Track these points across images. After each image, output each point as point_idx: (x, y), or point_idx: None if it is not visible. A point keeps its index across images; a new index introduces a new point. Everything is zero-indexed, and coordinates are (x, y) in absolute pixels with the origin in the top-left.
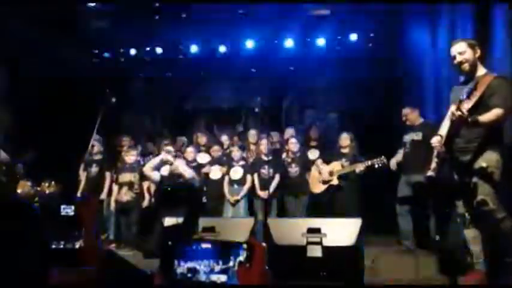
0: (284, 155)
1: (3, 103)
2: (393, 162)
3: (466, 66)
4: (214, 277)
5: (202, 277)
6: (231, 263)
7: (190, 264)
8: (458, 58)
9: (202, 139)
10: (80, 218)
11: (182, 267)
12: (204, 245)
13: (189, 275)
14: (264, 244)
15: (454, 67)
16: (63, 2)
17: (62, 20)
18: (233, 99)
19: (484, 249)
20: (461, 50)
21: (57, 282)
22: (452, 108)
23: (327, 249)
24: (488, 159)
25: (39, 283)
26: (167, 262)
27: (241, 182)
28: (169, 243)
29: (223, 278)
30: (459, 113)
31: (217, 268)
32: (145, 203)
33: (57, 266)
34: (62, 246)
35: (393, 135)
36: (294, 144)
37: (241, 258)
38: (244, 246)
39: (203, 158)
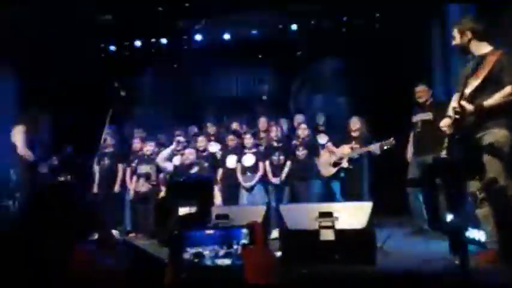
0: (294, 141)
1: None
2: (409, 155)
3: (460, 50)
4: (219, 261)
5: (208, 262)
6: (234, 247)
7: (196, 250)
8: (454, 43)
9: (212, 128)
10: (90, 217)
11: (189, 253)
12: (208, 231)
13: (195, 260)
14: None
15: None
16: None
17: (65, 15)
18: (241, 87)
19: (496, 227)
20: (455, 35)
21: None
22: (453, 103)
23: (339, 233)
24: (497, 136)
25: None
26: (175, 250)
27: (253, 169)
28: (175, 232)
29: (227, 261)
30: (458, 109)
31: (221, 252)
32: (162, 194)
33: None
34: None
35: (403, 117)
36: (304, 130)
37: (244, 240)
38: (245, 229)
39: (214, 147)
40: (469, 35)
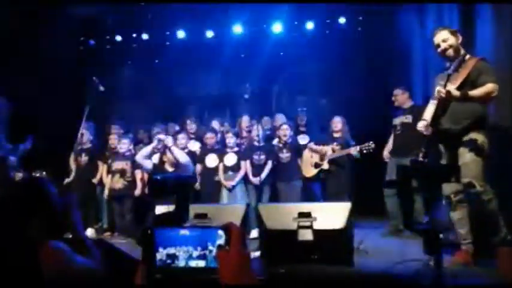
0: (275, 141)
1: None
2: (386, 153)
3: (450, 51)
4: (192, 263)
5: (181, 263)
6: (209, 248)
7: (169, 251)
8: (443, 46)
9: (191, 126)
10: (64, 216)
11: (161, 254)
12: (183, 231)
13: (168, 261)
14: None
15: (439, 54)
16: None
17: (46, 8)
18: (223, 85)
19: (471, 229)
20: (445, 37)
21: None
22: (438, 87)
23: (317, 233)
24: (475, 141)
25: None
26: (148, 250)
27: (235, 168)
28: (149, 231)
29: (201, 263)
30: (444, 91)
31: (195, 254)
32: (137, 192)
33: None
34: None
35: (383, 120)
36: (285, 131)
37: (220, 242)
38: (221, 230)
39: (194, 145)
40: (459, 37)
